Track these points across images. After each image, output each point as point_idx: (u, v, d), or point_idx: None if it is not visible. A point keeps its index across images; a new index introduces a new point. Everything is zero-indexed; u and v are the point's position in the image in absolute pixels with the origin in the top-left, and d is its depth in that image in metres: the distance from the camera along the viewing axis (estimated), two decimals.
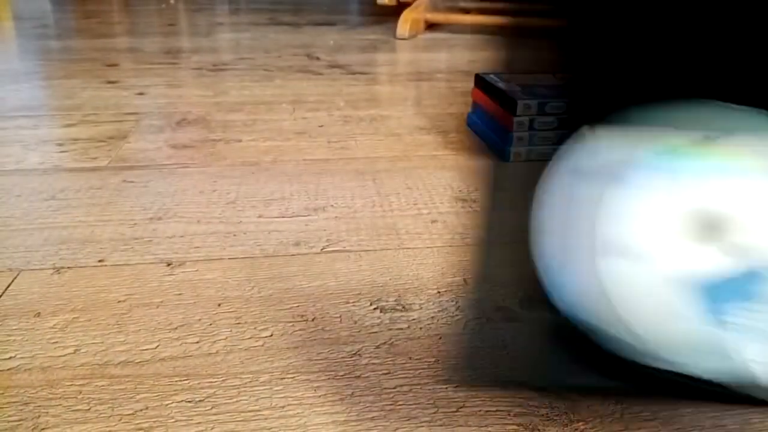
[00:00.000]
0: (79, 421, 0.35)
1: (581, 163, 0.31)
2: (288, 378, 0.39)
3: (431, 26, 1.98)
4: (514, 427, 0.35)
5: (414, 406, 0.37)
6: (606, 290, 0.30)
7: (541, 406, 0.37)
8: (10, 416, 0.36)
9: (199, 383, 0.39)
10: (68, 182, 0.70)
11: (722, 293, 0.28)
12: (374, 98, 1.10)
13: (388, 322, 0.45)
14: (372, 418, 0.36)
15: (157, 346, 0.42)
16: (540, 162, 0.79)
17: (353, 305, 0.47)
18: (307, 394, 0.38)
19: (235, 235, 0.58)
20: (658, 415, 0.36)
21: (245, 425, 0.35)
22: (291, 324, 0.45)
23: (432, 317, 0.46)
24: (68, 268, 0.52)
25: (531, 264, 0.36)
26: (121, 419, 0.36)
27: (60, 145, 0.82)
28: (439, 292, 0.49)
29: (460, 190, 0.69)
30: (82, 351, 0.41)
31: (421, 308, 0.47)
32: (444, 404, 0.37)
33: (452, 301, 0.48)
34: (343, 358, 0.41)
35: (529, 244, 0.35)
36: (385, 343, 0.43)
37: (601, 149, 0.31)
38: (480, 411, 0.37)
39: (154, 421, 0.35)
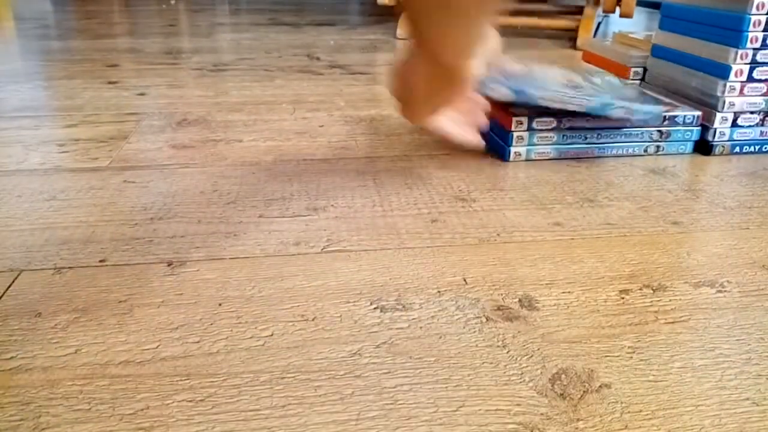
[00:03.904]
0: (80, 421, 0.35)
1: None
2: (288, 377, 0.39)
3: None
4: (514, 426, 0.36)
5: (414, 406, 0.37)
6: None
7: (540, 405, 0.37)
8: (11, 416, 0.36)
9: (199, 383, 0.39)
10: (69, 182, 0.70)
11: None
12: (374, 98, 1.10)
13: (388, 321, 0.45)
14: (372, 418, 0.36)
15: (158, 345, 0.42)
16: (540, 161, 0.79)
17: (353, 305, 0.47)
18: (308, 393, 0.38)
19: (235, 235, 0.58)
20: (657, 414, 0.37)
21: (246, 424, 0.35)
22: (291, 323, 0.45)
23: (432, 317, 0.46)
24: (69, 268, 0.52)
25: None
26: (121, 419, 0.36)
27: (61, 145, 0.83)
28: (439, 292, 0.49)
29: (460, 190, 0.69)
30: (83, 351, 0.41)
31: (421, 308, 0.47)
32: (443, 403, 0.37)
33: (452, 300, 0.48)
34: (343, 357, 0.41)
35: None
36: (385, 342, 0.43)
37: None
38: (479, 410, 0.37)
39: (155, 421, 0.36)
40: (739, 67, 0.79)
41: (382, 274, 0.51)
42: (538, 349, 0.42)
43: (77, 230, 0.59)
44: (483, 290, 0.49)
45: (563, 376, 0.40)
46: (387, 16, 2.08)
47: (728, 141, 0.83)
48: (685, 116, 0.81)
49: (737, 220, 0.63)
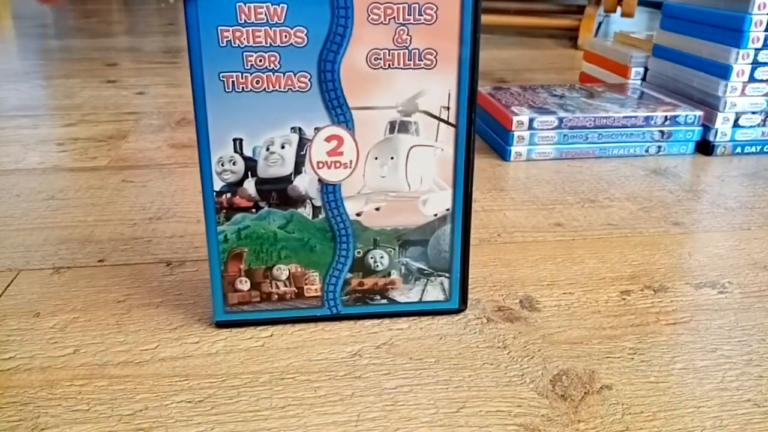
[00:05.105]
0: (79, 422, 0.35)
1: None
2: (288, 378, 0.39)
3: None
4: (515, 427, 0.35)
5: (414, 407, 0.37)
6: None
7: (541, 406, 0.37)
8: (9, 416, 0.36)
9: (198, 383, 0.38)
10: (68, 182, 0.70)
11: None
12: None
13: (388, 322, 0.45)
14: (372, 419, 0.36)
15: (157, 346, 0.42)
16: (540, 161, 0.78)
17: None
18: (307, 394, 0.38)
19: None
20: (658, 415, 0.36)
21: (245, 425, 0.35)
22: (291, 324, 0.45)
23: (432, 317, 0.46)
24: (68, 268, 0.52)
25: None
26: (120, 419, 0.35)
27: (60, 144, 0.82)
28: None
29: None
30: (82, 351, 0.41)
31: None
32: (444, 404, 0.37)
33: None
34: (343, 358, 0.41)
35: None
36: (385, 343, 0.43)
37: None
38: (480, 411, 0.37)
39: (154, 422, 0.35)
40: (740, 67, 0.79)
41: None
42: (539, 350, 0.42)
43: (76, 230, 0.58)
44: (483, 291, 0.49)
45: (564, 377, 0.39)
46: None
47: (730, 141, 0.83)
48: (686, 116, 0.81)
49: (739, 221, 0.63)
